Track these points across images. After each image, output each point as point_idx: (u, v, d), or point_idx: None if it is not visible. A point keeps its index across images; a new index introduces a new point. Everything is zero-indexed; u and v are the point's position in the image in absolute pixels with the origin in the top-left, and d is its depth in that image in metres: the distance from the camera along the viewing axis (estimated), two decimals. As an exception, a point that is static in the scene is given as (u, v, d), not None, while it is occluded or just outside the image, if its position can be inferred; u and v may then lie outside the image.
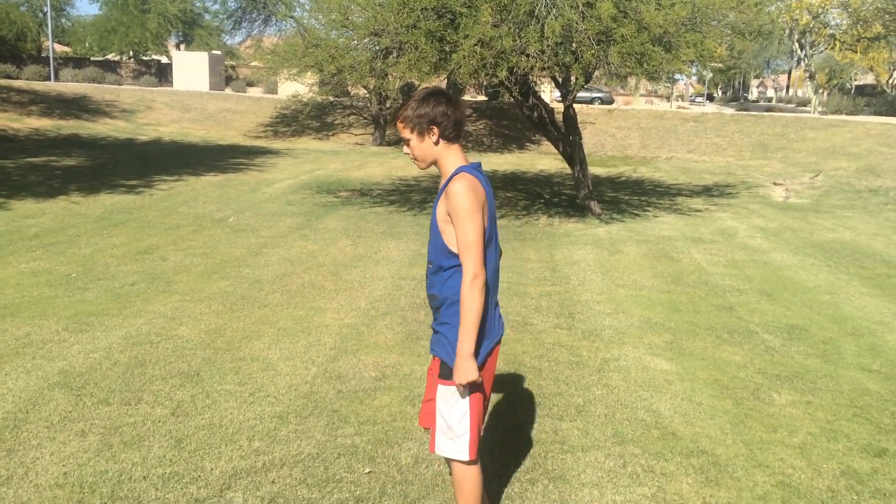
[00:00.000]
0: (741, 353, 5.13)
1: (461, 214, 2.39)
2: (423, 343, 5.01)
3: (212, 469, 3.31)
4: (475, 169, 2.51)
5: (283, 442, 3.59)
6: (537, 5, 9.23)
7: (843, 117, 28.32)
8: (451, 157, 2.52)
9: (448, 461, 2.64)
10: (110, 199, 11.16)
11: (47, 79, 31.73)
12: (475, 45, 9.28)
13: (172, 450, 3.47)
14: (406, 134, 2.53)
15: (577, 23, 9.20)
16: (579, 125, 12.21)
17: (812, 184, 16.63)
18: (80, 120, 24.11)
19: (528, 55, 9.52)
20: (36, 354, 4.65)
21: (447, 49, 9.73)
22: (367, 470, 3.34)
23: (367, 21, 10.32)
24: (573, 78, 11.11)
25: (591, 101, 34.76)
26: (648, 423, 3.93)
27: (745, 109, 33.15)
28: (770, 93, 79.27)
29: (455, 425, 2.54)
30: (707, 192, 14.99)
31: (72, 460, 3.34)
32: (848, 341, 5.46)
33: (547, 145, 20.16)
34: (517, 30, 9.41)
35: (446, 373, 2.54)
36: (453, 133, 2.51)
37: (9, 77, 29.81)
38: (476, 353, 2.48)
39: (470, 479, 2.60)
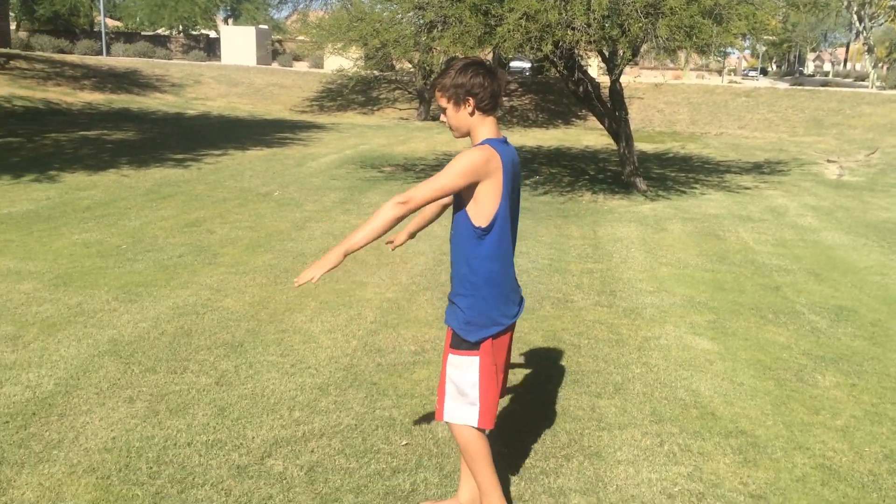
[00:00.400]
0: (786, 333, 5.04)
1: (453, 165, 2.43)
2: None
3: (253, 437, 3.39)
4: (501, 143, 2.53)
5: (323, 413, 3.65)
6: (584, -22, 9.08)
7: (903, 92, 27.36)
8: (485, 128, 2.54)
9: (452, 429, 2.68)
10: (159, 173, 11.38)
11: (99, 53, 32.33)
12: (520, 18, 9.18)
13: (216, 418, 3.56)
14: (443, 103, 2.54)
15: (624, -5, 9.04)
16: (626, 100, 12.03)
17: (868, 161, 16.16)
18: (130, 94, 24.55)
19: (574, 28, 9.39)
20: (87, 323, 4.80)
21: (492, 23, 9.65)
22: (405, 442, 3.38)
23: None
24: (620, 52, 10.94)
25: (521, 72, 32.53)
26: (687, 402, 3.90)
27: (800, 84, 32.25)
28: (827, 66, 76.99)
29: (468, 391, 2.58)
30: (757, 169, 14.67)
31: (120, 426, 3.45)
32: (898, 323, 5.33)
33: (593, 121, 19.91)
34: (563, 3, 9.28)
35: (457, 342, 2.60)
36: (489, 105, 2.51)
37: (62, 51, 30.46)
38: (489, 323, 2.56)
39: (475, 441, 2.63)
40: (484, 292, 2.55)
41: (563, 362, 4.41)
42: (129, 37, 44.62)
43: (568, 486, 3.07)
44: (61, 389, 3.82)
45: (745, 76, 55.54)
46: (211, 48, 44.90)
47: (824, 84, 31.79)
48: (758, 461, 3.31)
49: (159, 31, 53.45)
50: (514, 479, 3.10)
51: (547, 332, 4.88)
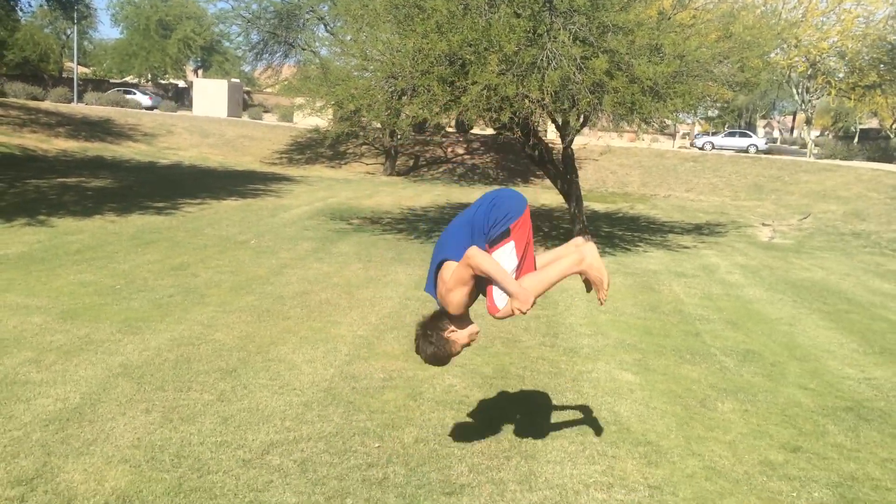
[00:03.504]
0: (698, 370, 5.96)
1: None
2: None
3: (253, 440, 4.15)
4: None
5: (309, 423, 4.43)
6: (539, 58, 10.18)
7: (837, 162, 29.28)
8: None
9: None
10: (141, 220, 12.09)
11: (71, 101, 32.94)
12: (482, 90, 10.22)
13: (221, 425, 4.32)
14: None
15: (574, 74, 10.14)
16: (583, 162, 13.12)
17: (799, 225, 17.49)
18: (104, 142, 25.20)
19: (529, 100, 10.46)
20: (97, 350, 5.52)
21: (457, 93, 10.68)
22: (377, 445, 4.18)
23: (385, 65, 11.29)
24: (570, 121, 12.07)
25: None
26: (608, 420, 4.76)
27: (745, 151, 34.13)
28: (776, 134, 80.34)
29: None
30: (698, 230, 15.85)
31: (142, 430, 4.19)
32: (794, 364, 6.28)
33: (549, 180, 21.06)
34: (520, 78, 10.35)
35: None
36: None
37: (35, 98, 31.02)
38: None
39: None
40: None
41: (510, 389, 5.25)
42: (97, 84, 45.39)
43: (507, 478, 3.89)
44: (87, 402, 4.54)
45: (693, 145, 57.70)
46: (180, 97, 45.81)
47: (767, 152, 33.67)
48: (658, 463, 4.17)
49: (127, 78, 54.25)
50: (463, 472, 3.91)
51: (496, 366, 5.73)
